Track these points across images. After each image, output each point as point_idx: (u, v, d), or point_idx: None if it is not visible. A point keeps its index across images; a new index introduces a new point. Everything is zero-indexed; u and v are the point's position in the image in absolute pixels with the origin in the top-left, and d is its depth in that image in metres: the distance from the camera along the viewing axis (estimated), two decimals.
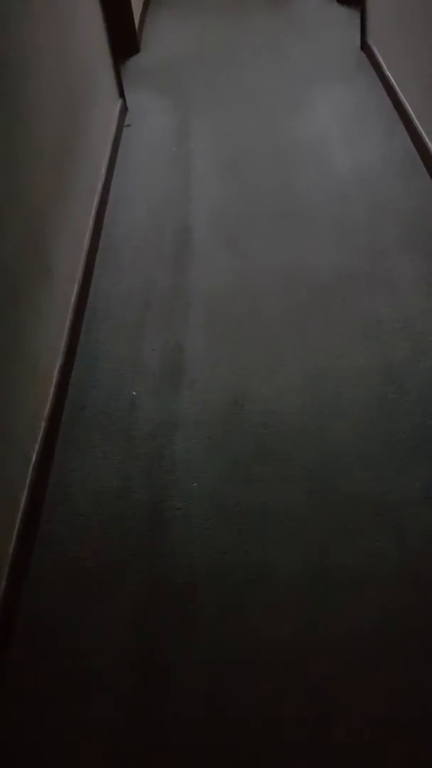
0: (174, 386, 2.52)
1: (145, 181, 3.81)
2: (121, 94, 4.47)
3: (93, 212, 3.37)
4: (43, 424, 2.30)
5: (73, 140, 3.13)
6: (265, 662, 1.75)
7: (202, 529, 2.05)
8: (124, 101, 4.50)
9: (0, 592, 1.86)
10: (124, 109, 4.46)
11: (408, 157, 3.67)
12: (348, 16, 5.44)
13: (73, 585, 1.96)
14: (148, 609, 1.89)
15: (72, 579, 1.98)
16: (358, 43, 4.92)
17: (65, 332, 2.67)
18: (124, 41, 5.05)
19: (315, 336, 2.66)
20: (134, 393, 2.51)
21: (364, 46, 4.85)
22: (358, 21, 4.87)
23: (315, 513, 2.06)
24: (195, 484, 2.18)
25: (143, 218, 3.50)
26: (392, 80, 4.24)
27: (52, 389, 2.43)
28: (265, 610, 1.85)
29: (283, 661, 1.75)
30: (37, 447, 2.23)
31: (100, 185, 3.60)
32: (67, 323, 2.71)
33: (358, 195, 3.43)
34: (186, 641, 1.81)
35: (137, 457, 2.28)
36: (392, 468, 2.16)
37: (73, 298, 2.83)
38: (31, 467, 2.16)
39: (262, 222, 3.35)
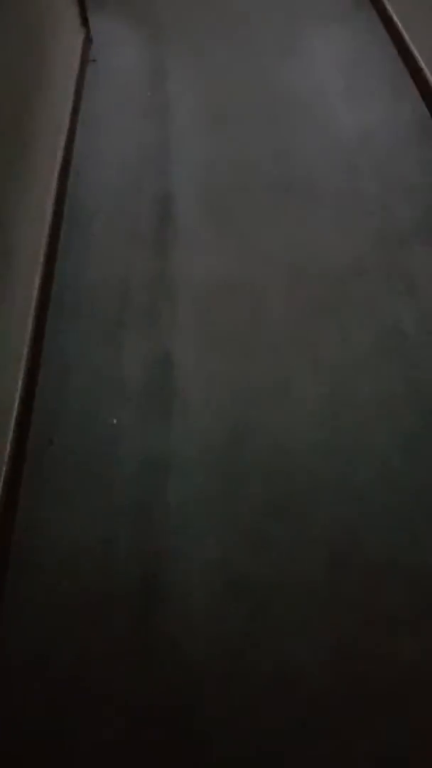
0: (163, 412, 2.09)
1: (116, 133, 3.24)
2: (84, 23, 3.80)
3: (56, 174, 2.82)
4: (3, 467, 1.86)
5: (28, 80, 2.55)
6: None
7: (204, 613, 1.67)
8: (88, 31, 3.84)
9: None
10: (87, 41, 3.80)
11: (419, 119, 3.19)
12: None
13: (46, 696, 1.57)
14: (140, 728, 1.52)
15: (44, 687, 1.59)
16: None
17: (27, 336, 2.19)
18: None
19: (327, 348, 2.25)
20: (114, 421, 2.07)
21: None
22: None
23: (339, 590, 1.70)
24: (193, 548, 1.79)
25: (115, 182, 2.96)
26: (397, 21, 3.71)
27: (13, 417, 1.97)
28: (285, 727, 1.51)
29: None
30: None
31: (63, 139, 3.03)
32: (29, 325, 2.23)
33: (365, 166, 2.96)
34: None
35: (121, 511, 1.87)
36: (426, 529, 1.81)
37: (35, 291, 2.33)
38: None
39: (257, 194, 2.86)
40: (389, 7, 3.81)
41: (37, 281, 2.36)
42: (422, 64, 3.36)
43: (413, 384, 2.14)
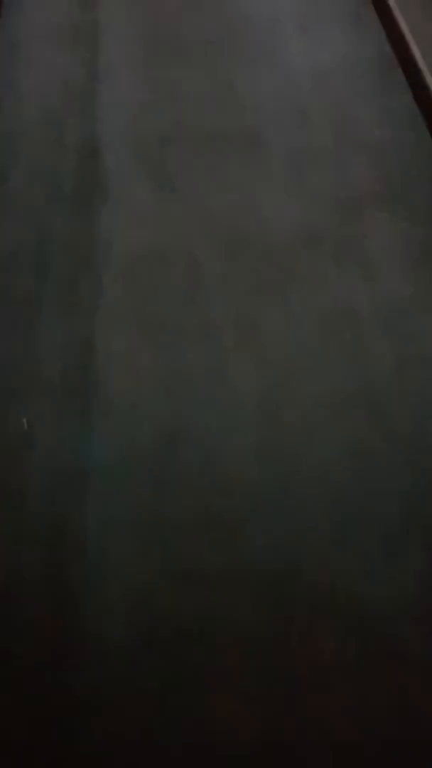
0: (83, 411, 1.83)
1: (39, 66, 2.81)
2: None
3: None
4: None
5: None
6: None
7: (120, 662, 1.46)
8: None
9: None
10: None
11: (381, 58, 2.87)
12: None
13: None
14: None
15: None
16: None
17: None
18: None
19: (271, 336, 2.00)
20: (25, 422, 1.80)
21: None
22: None
23: (272, 633, 1.50)
24: (111, 582, 1.56)
25: (34, 125, 2.58)
26: None
27: None
28: None
29: None
30: None
31: None
32: None
33: (320, 113, 2.64)
34: None
35: (30, 535, 1.62)
36: (376, 553, 1.62)
37: None
38: None
39: (197, 143, 2.53)
40: None
41: None
42: None
43: (364, 377, 1.91)
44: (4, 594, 1.52)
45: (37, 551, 1.59)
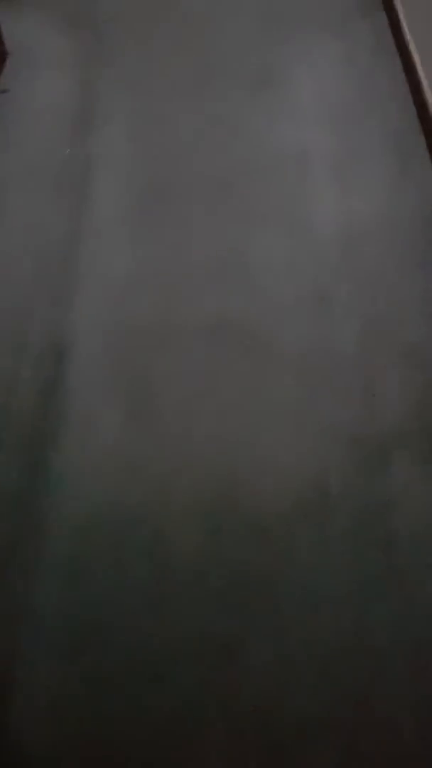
0: None
1: (9, 227, 2.37)
2: None
3: None
4: None
5: None
6: None
7: None
8: (1, 46, 2.90)
9: None
10: None
11: (430, 214, 2.31)
12: None
13: None
14: None
15: None
16: None
17: None
18: None
19: (252, 671, 1.48)
20: None
21: None
22: None
23: None
24: None
25: None
26: (411, 44, 2.76)
27: None
28: None
29: None
30: None
31: None
32: None
33: (345, 299, 2.10)
34: None
35: None
36: None
37: None
38: None
39: (188, 341, 2.04)
40: (405, 26, 2.84)
41: None
42: None
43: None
44: None
45: None
